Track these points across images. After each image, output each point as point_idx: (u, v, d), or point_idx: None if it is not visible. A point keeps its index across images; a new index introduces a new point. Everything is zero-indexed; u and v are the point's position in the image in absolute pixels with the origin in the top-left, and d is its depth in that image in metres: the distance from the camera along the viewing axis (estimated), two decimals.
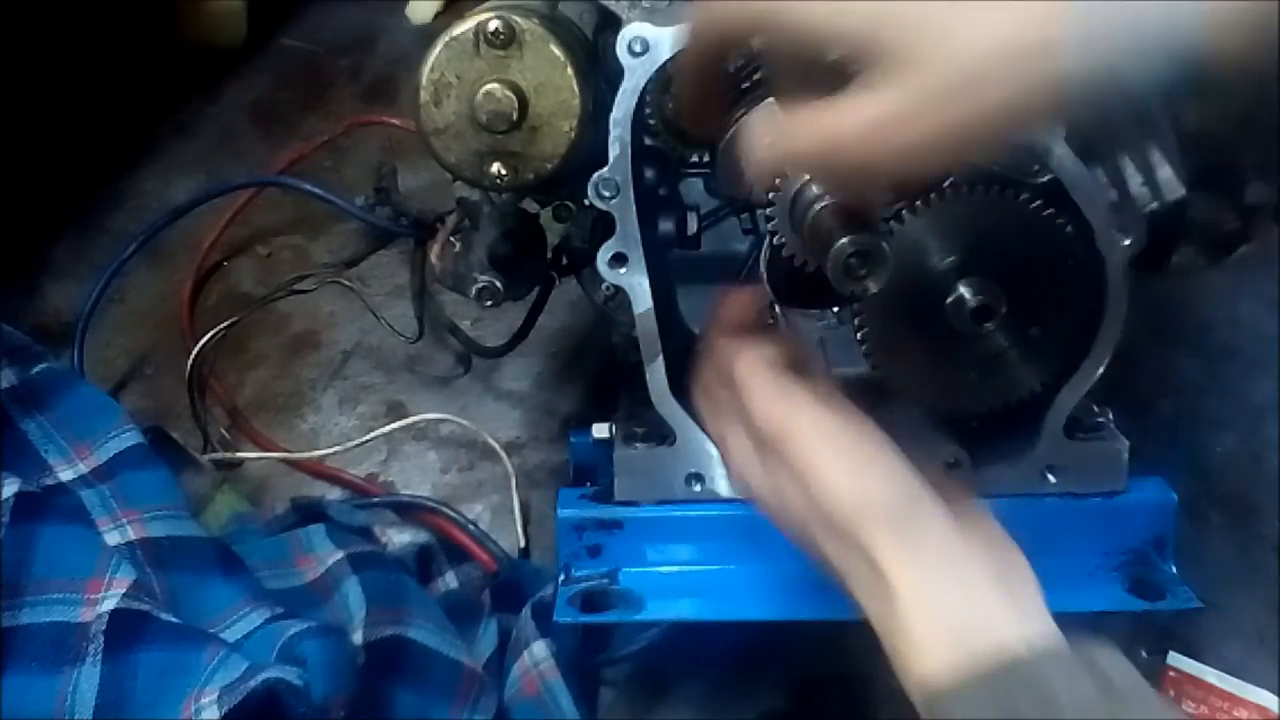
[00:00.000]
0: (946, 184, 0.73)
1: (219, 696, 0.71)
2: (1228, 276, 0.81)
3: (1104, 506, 0.81)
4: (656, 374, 0.77)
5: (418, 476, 1.09)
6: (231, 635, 0.79)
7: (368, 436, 1.09)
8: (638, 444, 0.84)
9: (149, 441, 0.89)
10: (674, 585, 0.83)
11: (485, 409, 1.13)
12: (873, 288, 0.64)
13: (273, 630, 0.78)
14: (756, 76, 0.78)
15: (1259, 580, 0.99)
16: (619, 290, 0.75)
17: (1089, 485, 0.81)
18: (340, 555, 0.90)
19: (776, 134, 0.54)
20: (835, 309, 0.84)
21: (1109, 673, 0.50)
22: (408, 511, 1.05)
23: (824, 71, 0.52)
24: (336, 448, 1.09)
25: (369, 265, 1.24)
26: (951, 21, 0.48)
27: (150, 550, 0.82)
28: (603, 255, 0.74)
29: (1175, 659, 0.89)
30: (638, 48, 0.70)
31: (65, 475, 0.86)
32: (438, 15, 1.48)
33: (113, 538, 0.82)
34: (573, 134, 0.72)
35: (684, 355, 0.75)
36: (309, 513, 1.00)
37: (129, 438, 0.88)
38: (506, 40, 0.70)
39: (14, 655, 0.72)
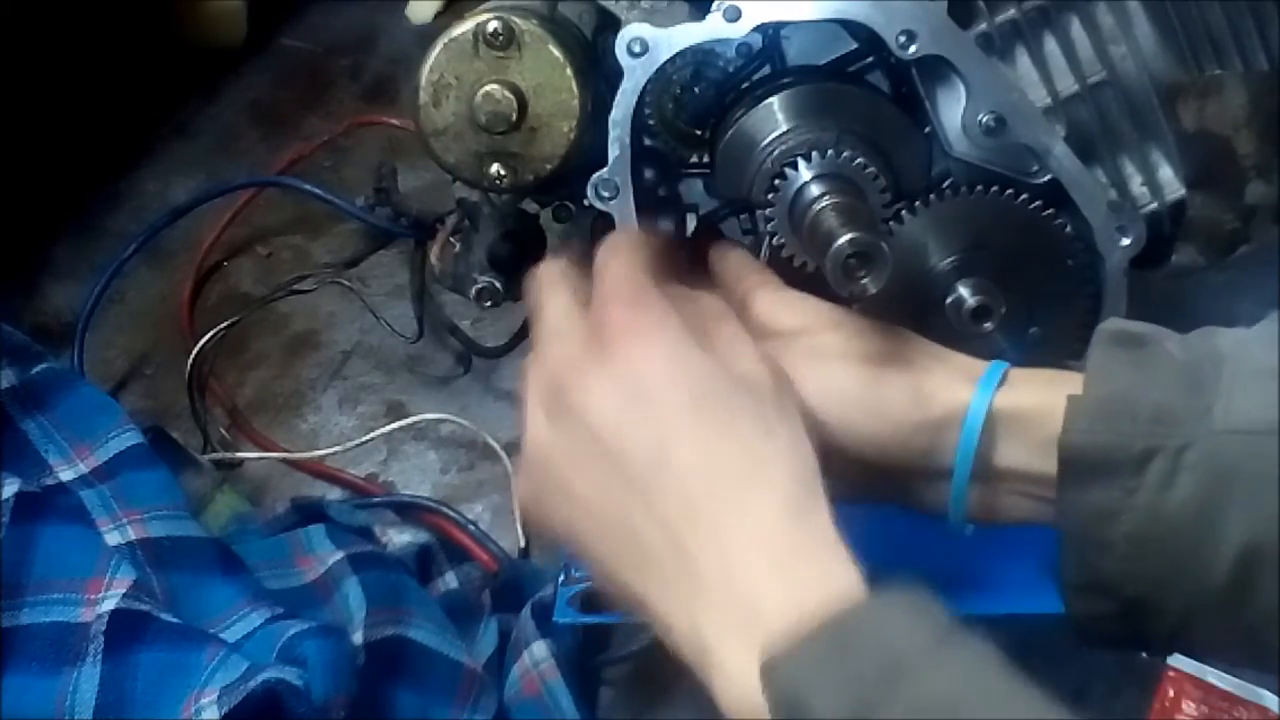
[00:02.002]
0: (946, 184, 0.74)
1: (219, 697, 0.71)
2: (1228, 276, 0.81)
3: None
4: None
5: (418, 476, 1.09)
6: (231, 635, 0.79)
7: (368, 436, 1.09)
8: None
9: (149, 441, 0.89)
10: None
11: (485, 409, 1.13)
12: (872, 288, 0.64)
13: (273, 630, 0.79)
14: (756, 77, 0.79)
15: None
16: None
17: None
18: (340, 555, 0.90)
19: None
20: None
21: (936, 616, 0.49)
22: (408, 511, 1.05)
23: None
24: (336, 448, 1.09)
25: (369, 265, 1.24)
26: None
27: (150, 550, 0.82)
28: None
29: (1175, 659, 0.89)
30: (637, 48, 0.70)
31: (65, 475, 0.86)
32: (438, 15, 1.49)
33: (113, 538, 0.82)
34: (572, 135, 0.72)
35: None
36: (309, 513, 1.00)
37: (129, 438, 0.88)
38: (506, 41, 0.70)
39: (14, 655, 0.73)
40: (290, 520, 0.99)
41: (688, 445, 0.55)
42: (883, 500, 0.66)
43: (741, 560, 0.53)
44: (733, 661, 0.51)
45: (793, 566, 0.52)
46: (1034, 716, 0.47)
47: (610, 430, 0.56)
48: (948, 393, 0.63)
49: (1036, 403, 0.61)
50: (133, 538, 0.82)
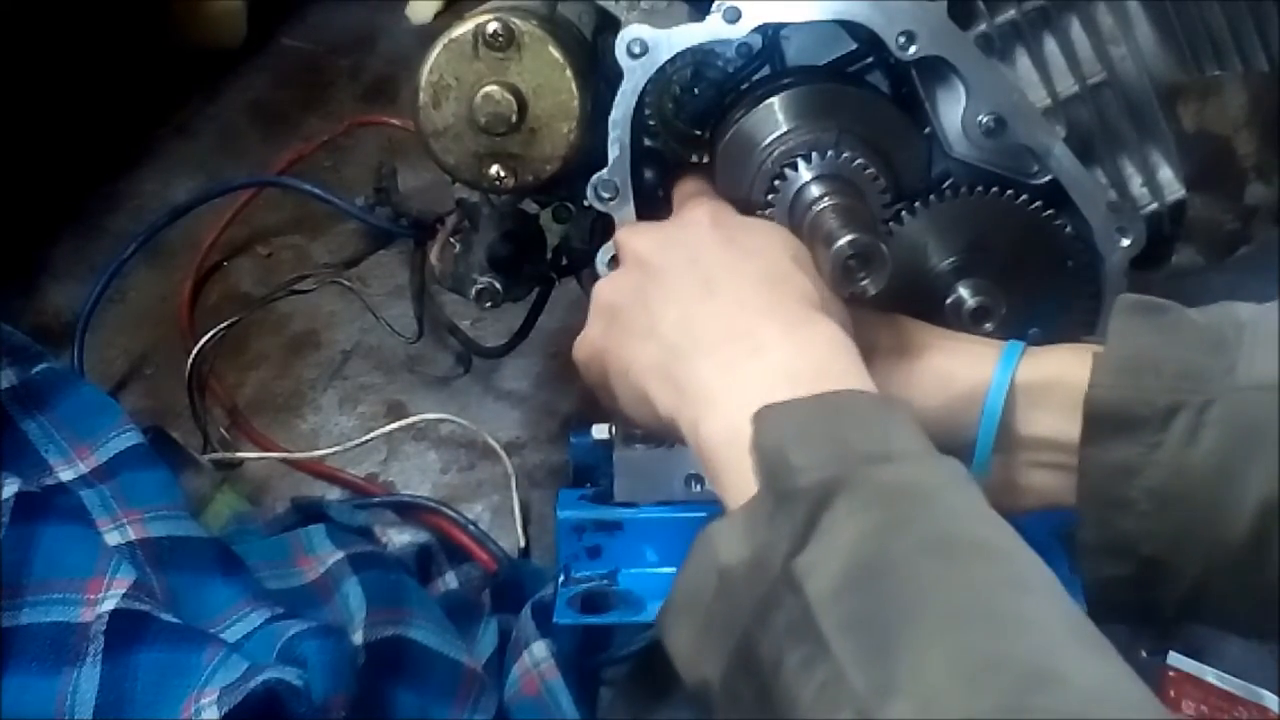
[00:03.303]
0: (946, 185, 0.74)
1: (219, 697, 0.71)
2: (1228, 277, 0.81)
3: None
4: None
5: (418, 476, 1.10)
6: (231, 635, 0.79)
7: (368, 436, 1.09)
8: (637, 445, 0.84)
9: (149, 441, 0.89)
10: None
11: (485, 409, 1.13)
12: (872, 289, 0.64)
13: (273, 630, 0.79)
14: (756, 77, 0.79)
15: None
16: None
17: None
18: (340, 555, 0.90)
19: None
20: None
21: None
22: (408, 511, 1.05)
23: None
24: (336, 448, 1.09)
25: (369, 265, 1.24)
26: None
27: (150, 550, 0.82)
28: (602, 256, 0.74)
29: (1175, 659, 0.89)
30: (636, 49, 0.70)
31: (65, 475, 0.86)
32: (438, 15, 1.49)
33: (113, 538, 0.82)
34: (572, 136, 0.72)
35: None
36: (309, 513, 1.00)
37: (129, 438, 0.88)
38: (505, 42, 0.70)
39: (14, 655, 0.73)
40: (290, 520, 0.99)
41: (749, 268, 0.62)
42: None
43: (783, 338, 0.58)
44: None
45: (822, 351, 0.57)
46: (1008, 540, 0.47)
47: (691, 247, 0.65)
48: (970, 370, 0.64)
49: (1060, 371, 0.63)
50: (133, 538, 0.82)
